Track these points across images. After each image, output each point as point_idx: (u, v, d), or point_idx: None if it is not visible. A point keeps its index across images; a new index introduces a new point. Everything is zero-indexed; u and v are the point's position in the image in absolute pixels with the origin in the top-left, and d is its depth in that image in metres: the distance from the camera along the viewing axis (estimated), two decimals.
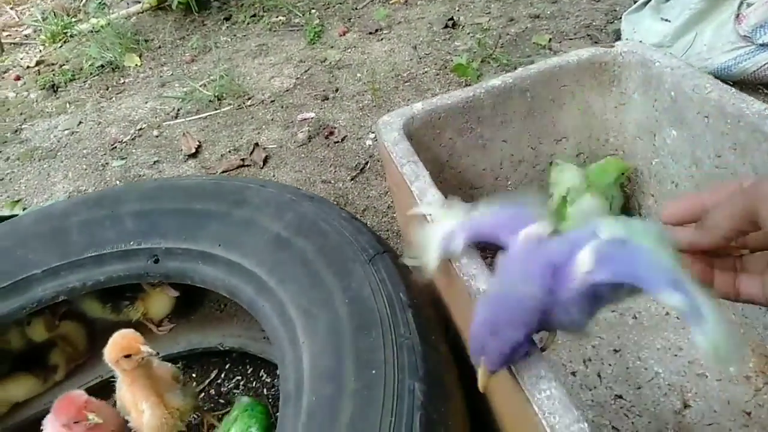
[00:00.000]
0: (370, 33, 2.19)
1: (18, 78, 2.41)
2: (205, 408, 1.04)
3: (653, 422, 0.82)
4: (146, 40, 2.47)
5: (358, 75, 1.95)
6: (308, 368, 0.67)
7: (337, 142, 1.65)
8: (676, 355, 0.88)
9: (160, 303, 1.08)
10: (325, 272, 0.75)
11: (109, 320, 1.07)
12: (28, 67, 2.48)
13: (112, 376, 0.86)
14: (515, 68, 0.92)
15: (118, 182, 1.69)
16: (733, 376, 0.85)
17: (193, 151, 1.73)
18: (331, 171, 1.56)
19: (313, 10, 2.44)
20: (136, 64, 2.32)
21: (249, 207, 0.88)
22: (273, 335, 0.77)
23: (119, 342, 0.80)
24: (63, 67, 2.42)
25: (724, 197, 0.42)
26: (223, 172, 1.63)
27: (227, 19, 2.53)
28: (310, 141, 1.68)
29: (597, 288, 0.45)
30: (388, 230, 1.34)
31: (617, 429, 0.82)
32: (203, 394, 1.08)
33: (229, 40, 2.38)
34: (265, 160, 1.64)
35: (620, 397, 0.85)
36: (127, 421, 0.87)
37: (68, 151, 1.88)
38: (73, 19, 2.77)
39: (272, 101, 1.91)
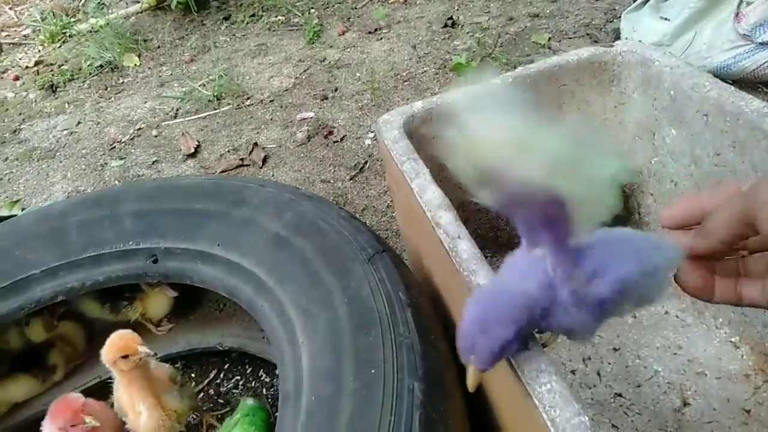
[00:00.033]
0: (370, 32, 2.18)
1: (17, 78, 2.41)
2: (204, 408, 1.04)
3: (653, 420, 0.82)
4: (145, 40, 2.47)
5: (358, 74, 1.95)
6: (307, 368, 0.67)
7: (337, 141, 1.65)
8: (675, 354, 0.88)
9: (158, 303, 1.07)
10: (324, 272, 0.75)
11: (107, 320, 1.07)
12: (27, 67, 2.48)
13: (111, 377, 0.85)
14: (515, 67, 0.92)
15: (117, 182, 1.68)
16: (732, 374, 0.85)
17: (192, 150, 1.73)
18: (331, 170, 1.56)
19: (312, 10, 2.44)
20: (135, 64, 2.32)
21: (248, 207, 0.88)
22: (272, 335, 0.77)
23: (116, 342, 0.79)
24: (62, 67, 2.42)
25: (722, 201, 0.42)
26: (222, 171, 1.63)
27: (226, 18, 2.53)
28: (309, 140, 1.68)
29: (597, 288, 0.44)
30: (387, 229, 1.34)
31: (617, 427, 0.82)
32: (202, 394, 1.08)
33: (228, 39, 2.38)
34: (264, 160, 1.63)
35: (620, 395, 0.85)
36: (125, 423, 0.87)
37: (67, 151, 1.88)
38: (72, 19, 2.77)
39: (271, 101, 1.91)
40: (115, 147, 1.85)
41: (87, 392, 1.03)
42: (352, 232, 0.80)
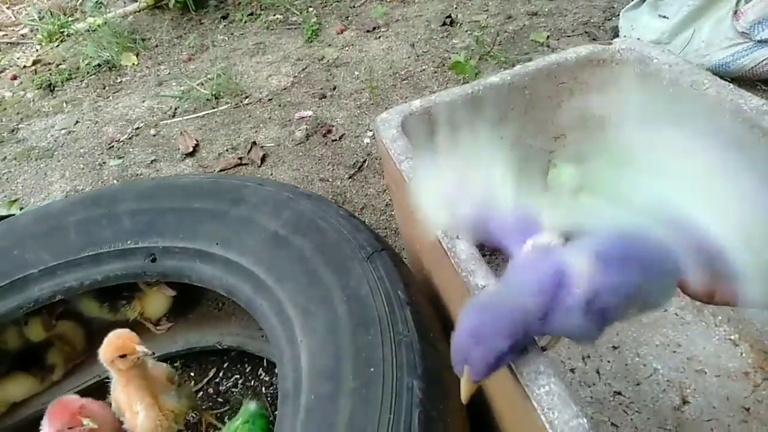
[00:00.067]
0: (368, 31, 2.18)
1: (15, 77, 2.40)
2: (204, 407, 1.04)
3: (652, 418, 0.82)
4: (143, 39, 2.46)
5: (356, 73, 1.95)
6: (307, 366, 0.67)
7: (335, 140, 1.65)
8: (674, 352, 0.88)
9: (157, 302, 1.07)
10: (323, 270, 0.75)
11: (106, 320, 1.07)
12: (24, 66, 2.47)
13: (110, 376, 0.85)
14: (513, 66, 0.92)
15: (115, 181, 1.68)
16: (731, 372, 0.85)
17: (191, 149, 1.73)
18: (329, 169, 1.55)
19: (310, 9, 2.44)
20: (133, 63, 2.32)
21: (246, 205, 0.88)
22: (271, 334, 0.77)
23: (114, 342, 0.79)
24: (60, 66, 2.41)
25: None
26: (220, 170, 1.62)
27: (224, 17, 2.53)
28: (307, 139, 1.68)
29: (601, 296, 0.44)
30: (386, 228, 1.34)
31: (616, 425, 0.82)
32: (201, 392, 1.08)
33: (227, 38, 2.37)
34: (263, 159, 1.63)
35: (619, 393, 0.85)
36: (122, 422, 0.86)
37: (65, 151, 1.88)
38: (70, 19, 2.76)
39: (270, 100, 1.91)
40: (113, 146, 1.84)
41: (86, 391, 1.03)
42: (351, 231, 0.80)
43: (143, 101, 2.06)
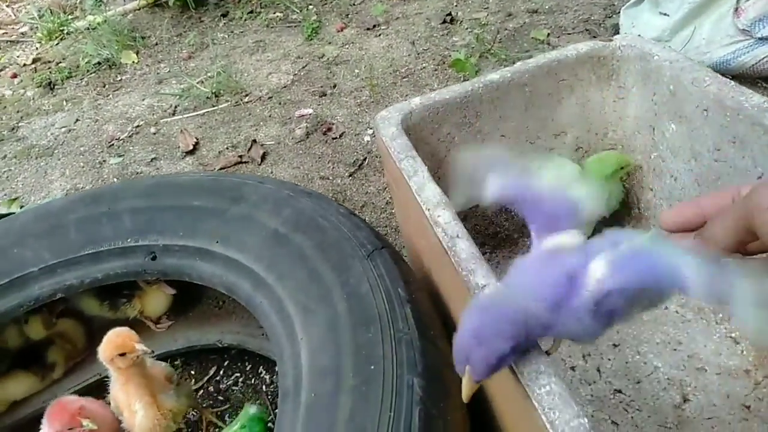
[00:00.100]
0: (368, 29, 2.18)
1: (15, 76, 2.40)
2: (204, 405, 1.04)
3: (653, 416, 0.82)
4: (143, 37, 2.46)
5: (356, 71, 1.95)
6: (307, 364, 0.67)
7: (335, 138, 1.65)
8: (675, 350, 0.88)
9: (156, 301, 1.07)
10: (324, 268, 0.75)
11: (106, 318, 1.07)
12: (24, 64, 2.47)
13: (109, 375, 0.85)
14: (513, 63, 0.92)
15: (115, 179, 1.68)
16: (732, 370, 0.84)
17: (191, 148, 1.73)
18: (329, 167, 1.55)
19: (310, 6, 2.43)
20: (133, 61, 2.31)
21: (247, 203, 0.88)
22: (271, 332, 0.77)
23: (114, 340, 0.79)
24: (60, 64, 2.41)
25: (721, 206, 0.42)
26: (220, 168, 1.62)
27: (224, 15, 2.53)
28: (308, 137, 1.68)
29: (610, 299, 0.44)
30: (386, 226, 1.34)
31: (617, 423, 0.82)
32: (202, 391, 1.08)
33: (227, 36, 2.37)
34: (263, 157, 1.63)
35: (619, 391, 0.85)
36: (121, 421, 0.86)
37: (65, 149, 1.88)
38: (70, 17, 2.76)
39: (270, 98, 1.90)
40: (113, 144, 1.84)
41: (86, 390, 1.03)
42: (351, 229, 0.80)
43: (143, 99, 2.06)
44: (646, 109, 0.90)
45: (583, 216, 0.50)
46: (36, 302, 0.91)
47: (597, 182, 0.94)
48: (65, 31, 2.64)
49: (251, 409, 0.92)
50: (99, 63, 2.32)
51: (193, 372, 1.11)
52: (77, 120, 2.02)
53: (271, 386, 1.06)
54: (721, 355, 0.86)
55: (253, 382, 1.08)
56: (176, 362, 1.12)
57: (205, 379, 1.09)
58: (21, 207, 1.63)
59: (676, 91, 0.82)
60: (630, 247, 0.44)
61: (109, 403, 0.87)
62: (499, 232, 1.09)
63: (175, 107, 1.97)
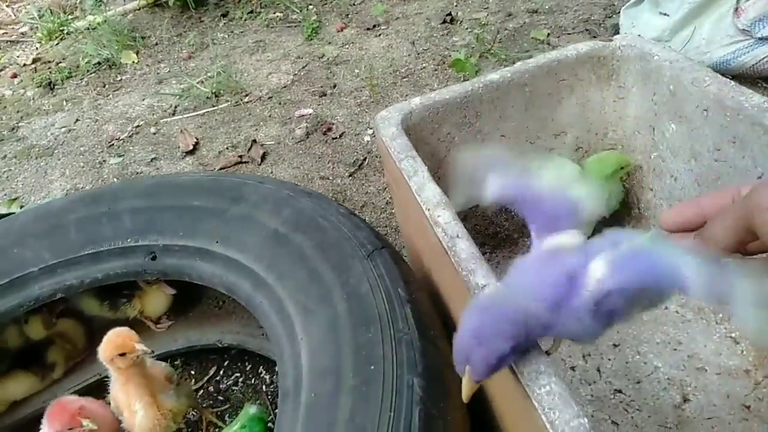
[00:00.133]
0: (368, 29, 2.18)
1: (15, 76, 2.40)
2: (204, 405, 1.04)
3: (653, 416, 0.82)
4: (143, 37, 2.46)
5: (356, 71, 1.95)
6: (307, 364, 0.67)
7: (335, 138, 1.65)
8: (675, 350, 0.88)
9: (156, 301, 1.07)
10: (324, 268, 0.75)
11: (106, 318, 1.07)
12: (24, 64, 2.47)
13: (109, 375, 0.85)
14: (513, 63, 0.92)
15: (115, 179, 1.68)
16: (732, 370, 0.84)
17: (191, 148, 1.73)
18: (329, 167, 1.55)
19: (310, 6, 2.43)
20: (133, 62, 2.31)
21: (247, 203, 0.88)
22: (271, 332, 0.77)
23: (114, 340, 0.79)
24: (60, 64, 2.41)
25: (721, 205, 0.42)
26: (220, 168, 1.62)
27: (224, 15, 2.53)
28: (308, 137, 1.68)
29: (610, 299, 0.44)
30: (386, 226, 1.34)
31: (617, 423, 0.82)
32: (202, 391, 1.08)
33: (227, 36, 2.37)
34: (263, 157, 1.63)
35: (620, 391, 0.85)
36: (121, 421, 0.86)
37: (65, 149, 1.88)
38: (70, 17, 2.76)
39: (270, 98, 1.90)
40: (113, 144, 1.84)
41: (86, 389, 1.03)
42: (351, 229, 0.80)
43: (143, 99, 2.06)
44: (646, 109, 0.90)
45: (583, 216, 0.50)
46: (36, 302, 0.91)
47: (597, 182, 0.94)
48: (65, 31, 2.64)
49: (251, 409, 0.92)
50: (99, 63, 2.32)
51: (193, 372, 1.11)
52: (77, 120, 2.02)
53: (271, 386, 1.06)
54: (721, 355, 0.86)
55: (253, 382, 1.08)
56: (176, 362, 1.12)
57: (205, 379, 1.09)
58: (21, 207, 1.63)
59: (676, 91, 0.82)
60: (630, 247, 0.44)
61: (109, 403, 0.87)
62: (499, 232, 1.09)
63: (175, 107, 1.97)
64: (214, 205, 0.89)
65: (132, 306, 1.06)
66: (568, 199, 0.51)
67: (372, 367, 0.62)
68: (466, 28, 2.04)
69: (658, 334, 0.90)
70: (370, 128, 1.66)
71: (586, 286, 0.44)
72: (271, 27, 2.37)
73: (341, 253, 0.76)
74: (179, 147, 1.75)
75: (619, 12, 1.77)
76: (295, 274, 0.76)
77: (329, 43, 2.15)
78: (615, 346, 0.90)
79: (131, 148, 1.81)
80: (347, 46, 2.10)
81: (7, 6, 3.05)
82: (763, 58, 1.40)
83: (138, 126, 1.91)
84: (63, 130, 1.98)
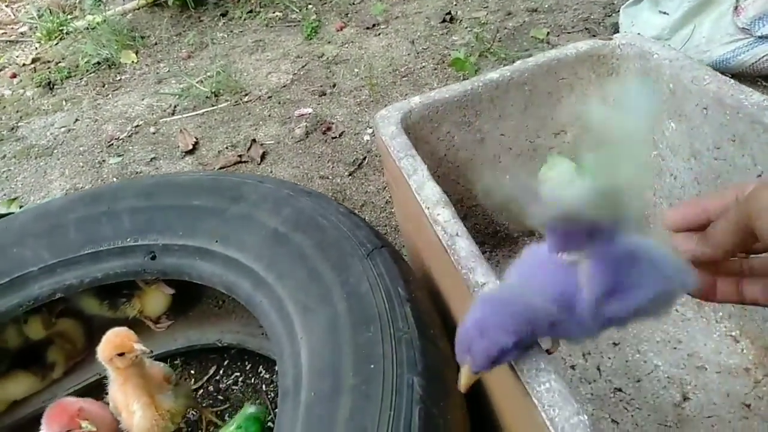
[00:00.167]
0: (368, 28, 2.18)
1: (14, 75, 2.40)
2: (204, 404, 1.04)
3: (653, 415, 0.82)
4: (142, 37, 2.46)
5: (356, 70, 1.94)
6: (307, 363, 0.67)
7: (335, 137, 1.65)
8: (675, 348, 0.88)
9: (155, 300, 1.07)
10: (323, 267, 0.75)
11: (106, 317, 1.07)
12: (24, 64, 2.47)
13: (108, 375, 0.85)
14: (513, 62, 0.92)
15: (114, 179, 1.68)
16: (732, 369, 0.84)
17: (190, 147, 1.73)
18: (329, 166, 1.55)
19: (310, 6, 2.43)
20: (133, 61, 2.31)
21: (246, 203, 0.88)
22: (271, 331, 0.77)
23: (113, 340, 0.79)
24: (59, 64, 2.41)
25: (724, 205, 0.42)
26: (220, 168, 1.62)
27: (224, 15, 2.52)
28: (307, 137, 1.68)
29: (607, 304, 0.44)
30: (386, 225, 1.34)
31: (617, 422, 0.82)
32: (202, 390, 1.08)
33: (226, 36, 2.37)
34: (263, 156, 1.63)
35: (620, 390, 0.85)
36: (119, 422, 0.86)
37: (65, 149, 1.87)
38: (69, 16, 2.75)
39: (269, 97, 1.90)
40: (112, 144, 1.84)
41: (86, 389, 1.03)
42: (351, 228, 0.80)
43: (143, 99, 2.06)
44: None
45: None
46: (35, 302, 0.91)
47: (596, 180, 0.94)
48: (64, 31, 2.64)
49: (249, 409, 0.92)
50: (98, 63, 2.32)
51: (192, 371, 1.11)
52: (77, 120, 2.02)
53: (271, 386, 1.05)
54: (721, 354, 0.86)
55: (252, 381, 1.08)
56: (176, 362, 1.12)
57: (205, 378, 1.09)
58: (20, 207, 1.63)
59: (676, 90, 0.82)
60: (630, 251, 0.44)
61: (108, 404, 0.87)
62: (498, 231, 1.09)
63: (175, 107, 1.96)
64: (213, 204, 0.89)
65: (131, 306, 1.06)
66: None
67: (372, 366, 0.62)
68: (466, 27, 2.04)
69: (658, 333, 0.90)
70: (370, 127, 1.66)
71: (588, 289, 0.44)
72: (271, 26, 2.37)
73: (341, 252, 0.76)
74: (179, 147, 1.75)
75: (618, 11, 1.77)
76: (295, 273, 0.76)
77: (329, 42, 2.15)
78: (615, 344, 0.90)
79: (131, 147, 1.81)
80: (347, 46, 2.10)
81: (7, 6, 3.05)
82: (763, 57, 1.40)
83: (137, 126, 1.91)
84: (62, 129, 1.98)
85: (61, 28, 2.64)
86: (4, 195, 1.71)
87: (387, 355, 0.63)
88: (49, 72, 2.35)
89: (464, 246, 0.61)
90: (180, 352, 1.09)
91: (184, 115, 1.90)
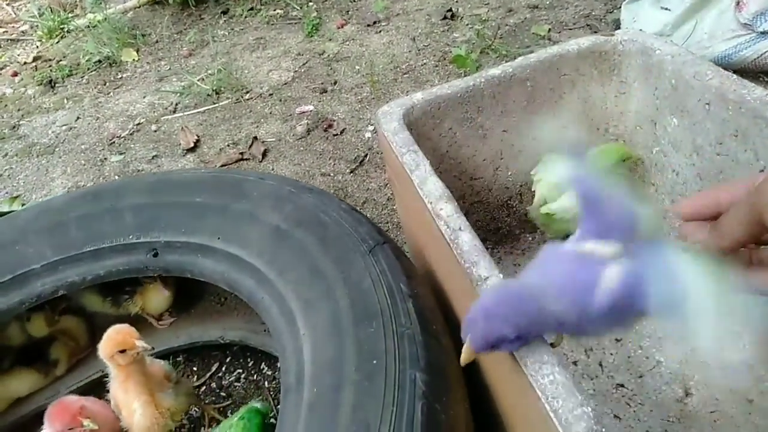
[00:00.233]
0: (369, 25, 2.18)
1: (15, 74, 2.40)
2: (206, 401, 1.04)
3: (655, 411, 0.82)
4: (143, 35, 2.46)
5: (357, 67, 1.94)
6: (309, 360, 0.67)
7: (336, 134, 1.65)
8: (677, 344, 0.88)
9: (158, 297, 1.07)
10: (326, 264, 0.75)
11: (109, 314, 1.07)
12: (25, 63, 2.47)
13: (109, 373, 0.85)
14: (514, 59, 0.92)
15: (116, 177, 1.68)
16: (735, 365, 0.84)
17: (192, 145, 1.73)
18: (330, 164, 1.55)
19: (310, 3, 2.43)
20: (134, 59, 2.31)
21: (248, 200, 0.88)
22: (273, 327, 0.77)
23: (114, 337, 0.79)
24: (60, 62, 2.41)
25: (736, 196, 0.43)
26: (221, 166, 1.62)
27: (224, 12, 2.52)
28: (308, 134, 1.68)
29: (620, 305, 0.45)
30: (387, 222, 1.34)
31: (619, 418, 0.82)
32: (204, 387, 1.08)
33: (227, 33, 2.37)
34: (264, 154, 1.63)
35: (622, 386, 0.85)
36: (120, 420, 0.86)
37: (66, 147, 1.88)
38: (70, 15, 2.76)
39: (270, 95, 1.90)
40: (114, 142, 1.84)
41: (89, 386, 1.04)
42: (352, 224, 0.80)
43: (144, 97, 2.06)
44: (648, 104, 0.90)
45: (637, 234, 0.49)
46: (38, 299, 0.91)
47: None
48: (65, 30, 2.64)
49: (255, 405, 0.92)
50: (99, 61, 2.32)
51: (195, 368, 1.12)
52: (78, 118, 2.02)
53: (274, 382, 1.06)
54: (724, 350, 0.86)
55: (255, 378, 1.08)
56: (178, 359, 1.13)
57: (208, 375, 1.10)
58: (22, 205, 1.63)
59: (678, 86, 0.82)
60: (647, 261, 0.45)
61: (110, 402, 0.87)
62: (500, 228, 1.09)
63: (176, 105, 1.97)
64: (215, 201, 0.89)
65: (134, 303, 1.06)
66: (631, 214, 0.50)
67: (374, 362, 0.62)
68: (467, 24, 2.04)
69: (660, 329, 0.90)
70: (371, 125, 1.65)
71: (602, 291, 0.44)
72: (272, 24, 2.36)
73: (343, 248, 0.76)
74: (180, 144, 1.75)
75: (620, 7, 1.76)
76: (297, 269, 0.76)
77: (330, 39, 2.15)
78: (617, 340, 0.90)
79: (132, 145, 1.81)
80: (348, 43, 2.10)
81: (7, 4, 3.05)
82: (765, 53, 1.40)
83: (139, 124, 1.91)
84: (64, 128, 1.98)
85: (62, 27, 2.64)
86: (6, 193, 1.71)
87: (389, 350, 0.63)
88: (51, 70, 2.35)
89: (467, 240, 0.61)
90: (182, 349, 1.09)
91: (186, 113, 1.90)
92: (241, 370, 1.09)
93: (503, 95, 0.91)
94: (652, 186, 0.97)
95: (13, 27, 2.86)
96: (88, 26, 2.56)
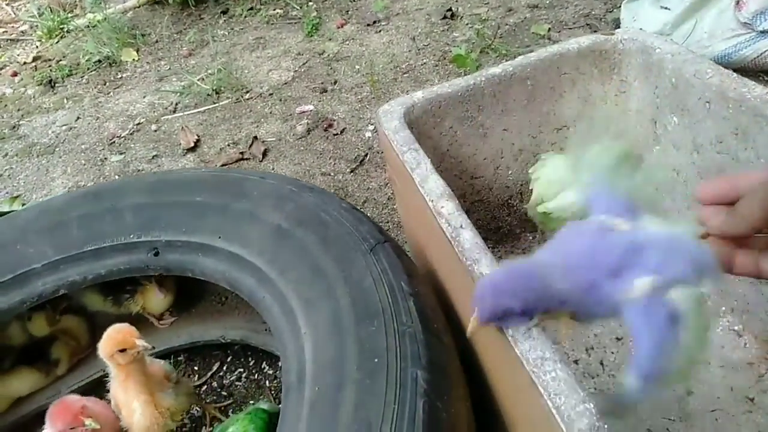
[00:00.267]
0: (368, 25, 2.18)
1: (15, 74, 2.40)
2: (208, 401, 1.04)
3: (656, 409, 0.82)
4: (143, 35, 2.46)
5: (357, 67, 1.94)
6: (310, 358, 0.67)
7: (336, 134, 1.65)
8: None
9: (156, 297, 1.07)
10: (327, 262, 0.75)
11: (110, 313, 1.07)
12: (24, 63, 2.47)
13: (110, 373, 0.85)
14: (514, 58, 0.92)
15: (117, 177, 1.68)
16: (735, 363, 0.84)
17: (192, 145, 1.73)
18: (331, 163, 1.55)
19: (310, 3, 2.43)
20: (134, 59, 2.31)
21: (249, 199, 0.88)
22: (274, 326, 0.77)
23: (114, 336, 0.79)
24: (60, 62, 2.41)
25: (754, 184, 0.43)
26: (222, 165, 1.62)
27: (224, 12, 2.52)
28: (309, 134, 1.68)
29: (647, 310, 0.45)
30: (388, 221, 1.34)
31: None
32: (205, 386, 1.08)
33: (227, 33, 2.37)
34: (264, 154, 1.63)
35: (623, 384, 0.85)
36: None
37: (66, 147, 1.88)
38: (70, 15, 2.75)
39: (270, 94, 1.90)
40: (114, 142, 1.84)
41: (90, 385, 1.04)
42: (353, 223, 0.80)
43: (144, 97, 2.06)
44: (648, 103, 0.90)
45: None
46: (39, 298, 0.91)
47: (596, 175, 0.94)
48: (65, 29, 2.64)
49: (261, 405, 0.92)
50: (99, 61, 2.32)
51: (196, 368, 1.12)
52: (78, 118, 2.02)
53: (275, 381, 1.06)
54: (725, 348, 0.87)
55: (256, 377, 1.08)
56: (179, 358, 1.13)
57: (209, 374, 1.10)
58: (22, 205, 1.63)
59: (678, 84, 0.82)
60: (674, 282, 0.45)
61: (110, 402, 0.87)
62: (501, 227, 1.09)
63: (176, 104, 1.97)
64: (216, 200, 0.89)
65: (135, 302, 1.06)
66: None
67: (376, 361, 0.62)
68: (467, 24, 2.04)
69: None
70: (371, 124, 1.66)
71: (629, 290, 0.45)
72: (272, 24, 2.36)
73: (344, 247, 0.76)
74: (180, 144, 1.75)
75: (619, 6, 1.76)
76: (298, 268, 0.76)
77: (330, 39, 2.15)
78: (618, 339, 0.90)
79: (132, 145, 1.81)
80: (348, 43, 2.10)
81: (7, 4, 3.05)
82: (765, 52, 1.40)
83: (139, 123, 1.91)
84: (64, 128, 1.98)
85: (61, 27, 2.64)
86: (7, 193, 1.71)
87: (391, 349, 0.63)
88: (50, 70, 2.35)
89: (468, 238, 0.61)
90: (183, 348, 1.09)
91: (186, 113, 1.90)
92: (242, 370, 1.10)
93: (504, 94, 0.91)
94: (652, 185, 0.97)
95: (13, 27, 2.86)
96: (88, 26, 2.56)
